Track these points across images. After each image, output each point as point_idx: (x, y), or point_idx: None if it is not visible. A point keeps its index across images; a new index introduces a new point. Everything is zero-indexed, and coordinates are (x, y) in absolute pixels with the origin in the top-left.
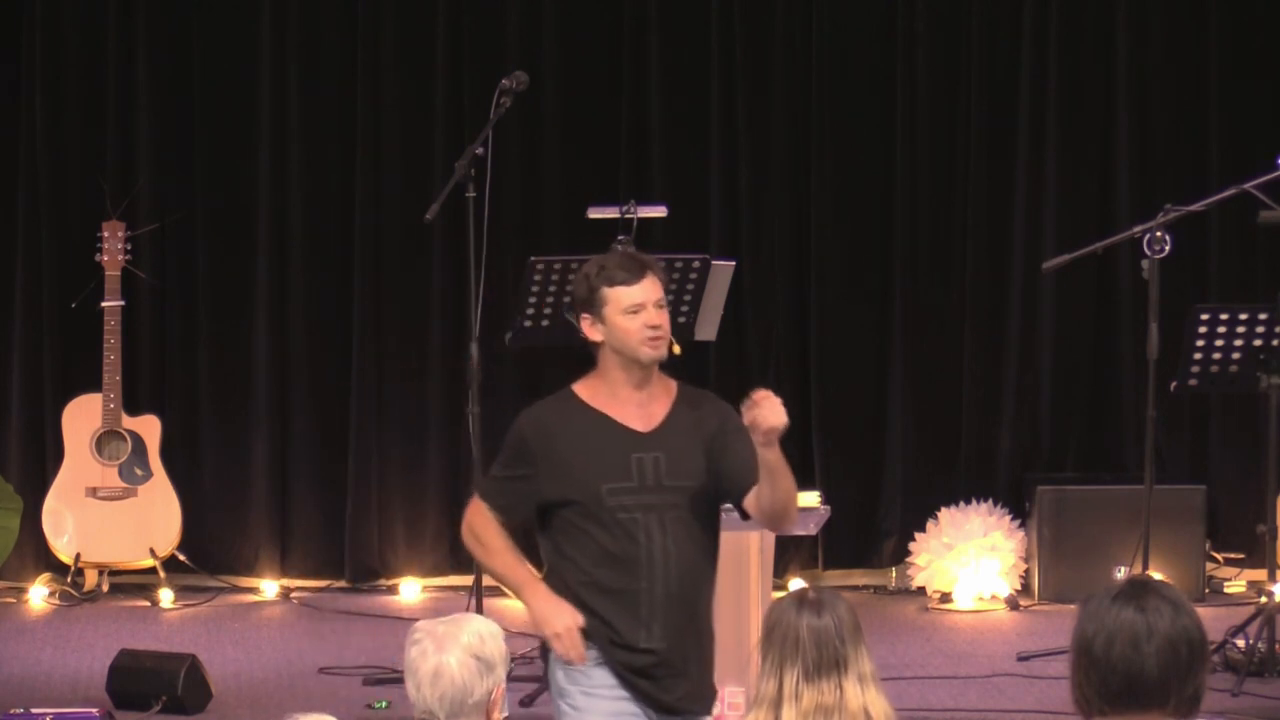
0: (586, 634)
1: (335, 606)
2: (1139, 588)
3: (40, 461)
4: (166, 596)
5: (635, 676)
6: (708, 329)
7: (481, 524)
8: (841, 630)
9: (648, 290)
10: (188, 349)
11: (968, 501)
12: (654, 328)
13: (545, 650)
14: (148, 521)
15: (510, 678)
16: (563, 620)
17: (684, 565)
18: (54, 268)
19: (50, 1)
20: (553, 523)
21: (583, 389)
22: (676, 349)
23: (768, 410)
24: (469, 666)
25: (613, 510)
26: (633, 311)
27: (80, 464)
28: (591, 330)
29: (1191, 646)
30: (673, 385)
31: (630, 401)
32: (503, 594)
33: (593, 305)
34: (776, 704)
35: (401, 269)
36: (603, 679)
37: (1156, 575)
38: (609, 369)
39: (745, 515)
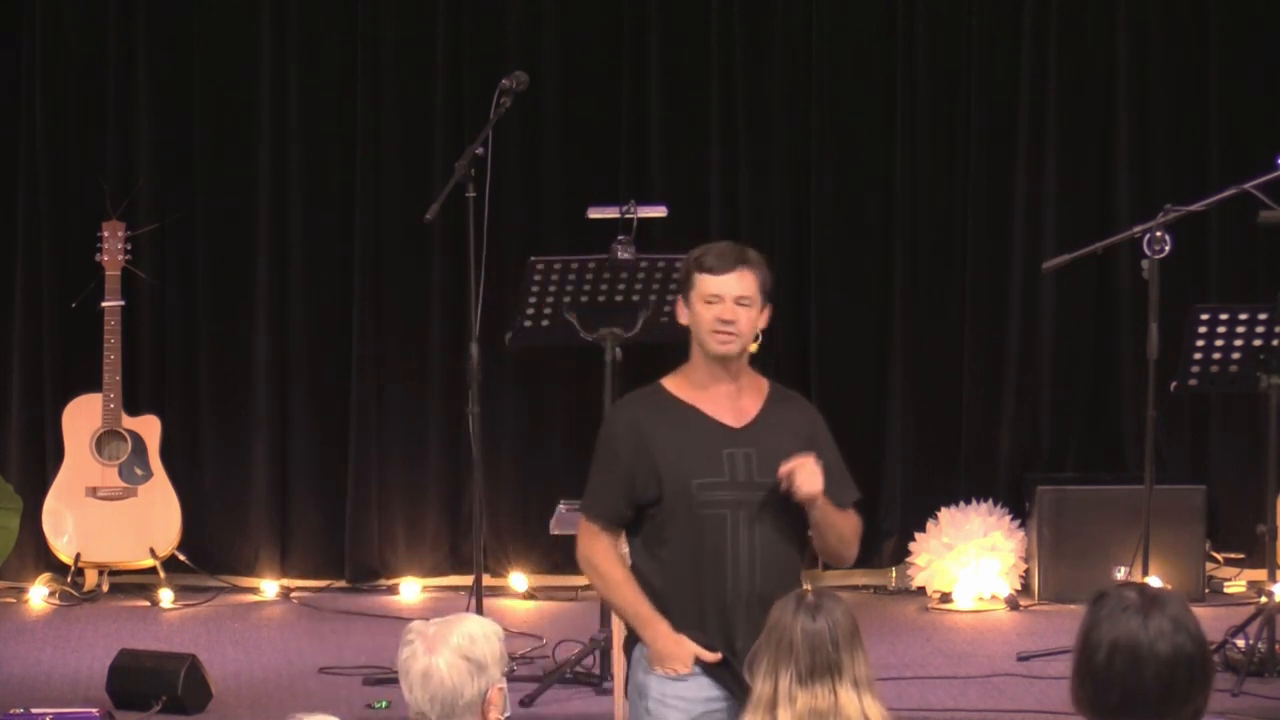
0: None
1: (335, 606)
2: (1149, 601)
3: (40, 461)
4: (166, 596)
5: (732, 678)
6: None
7: (598, 552)
8: (836, 635)
9: (730, 284)
10: (188, 349)
11: (968, 501)
12: (724, 322)
13: (629, 641)
14: (148, 521)
15: (511, 678)
16: (685, 660)
17: (770, 564)
18: (54, 268)
19: (50, 1)
20: (642, 522)
21: (671, 383)
22: (753, 348)
23: (803, 479)
24: (458, 668)
25: (702, 506)
26: (710, 301)
27: (80, 464)
28: (680, 313)
29: (1192, 668)
30: (764, 383)
31: (720, 395)
32: (503, 594)
33: (685, 288)
34: (772, 706)
35: (401, 269)
36: (691, 692)
37: (1155, 580)
38: (696, 360)
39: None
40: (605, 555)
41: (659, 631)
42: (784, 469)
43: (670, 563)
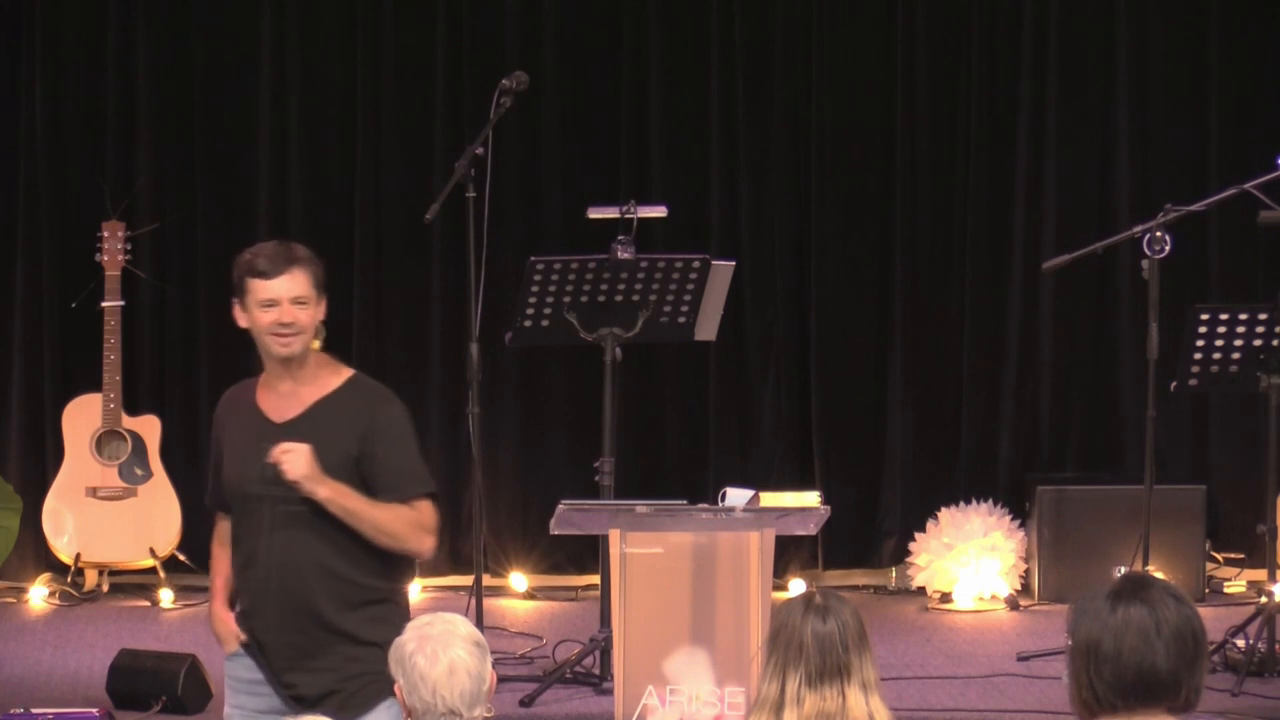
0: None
1: None
2: (1138, 583)
3: (40, 461)
4: (166, 596)
5: (262, 660)
6: (708, 329)
7: (215, 535)
8: (846, 637)
9: (283, 286)
10: (188, 349)
11: (968, 501)
12: (284, 325)
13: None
14: (148, 521)
15: (510, 678)
16: (226, 639)
17: (296, 560)
18: (54, 268)
19: (50, 2)
20: None
21: (263, 375)
22: (316, 344)
23: (286, 464)
24: (476, 654)
25: (245, 500)
26: (266, 306)
27: (80, 464)
28: (239, 318)
29: (1196, 637)
30: (341, 378)
31: (279, 392)
32: (503, 594)
33: (240, 293)
34: (778, 707)
35: (401, 269)
36: (236, 671)
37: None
38: (264, 358)
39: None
40: (216, 535)
41: (211, 608)
42: (274, 453)
43: (234, 550)
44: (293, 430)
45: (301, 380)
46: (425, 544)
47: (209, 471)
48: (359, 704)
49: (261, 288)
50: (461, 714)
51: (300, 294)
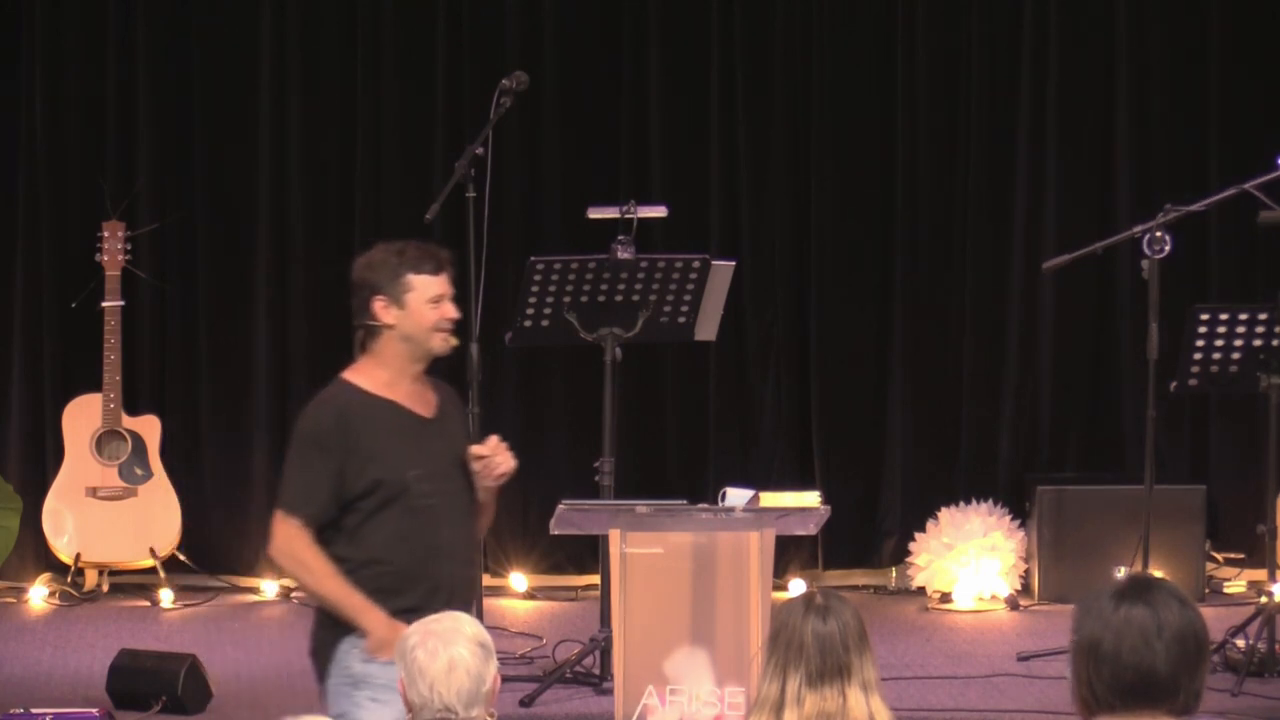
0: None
1: None
2: (1142, 584)
3: (40, 461)
4: (166, 596)
5: None
6: (708, 329)
7: (303, 546)
8: (847, 637)
9: (447, 283)
10: (188, 349)
11: (968, 501)
12: (451, 320)
13: (329, 636)
14: (148, 521)
15: (510, 678)
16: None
17: (469, 546)
18: (54, 268)
19: (50, 2)
20: (346, 515)
21: (360, 379)
22: (454, 341)
23: (504, 464)
24: (478, 655)
25: (416, 496)
26: (433, 301)
27: (80, 464)
28: (383, 314)
29: (1198, 640)
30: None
31: (411, 389)
32: (503, 594)
33: (391, 289)
34: (779, 707)
35: None
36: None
37: (1156, 573)
38: (387, 356)
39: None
40: (312, 549)
41: (377, 619)
42: (482, 452)
43: (388, 551)
44: (441, 425)
45: (422, 375)
46: None
47: (312, 482)
48: None
49: (429, 284)
50: (457, 712)
51: (454, 292)
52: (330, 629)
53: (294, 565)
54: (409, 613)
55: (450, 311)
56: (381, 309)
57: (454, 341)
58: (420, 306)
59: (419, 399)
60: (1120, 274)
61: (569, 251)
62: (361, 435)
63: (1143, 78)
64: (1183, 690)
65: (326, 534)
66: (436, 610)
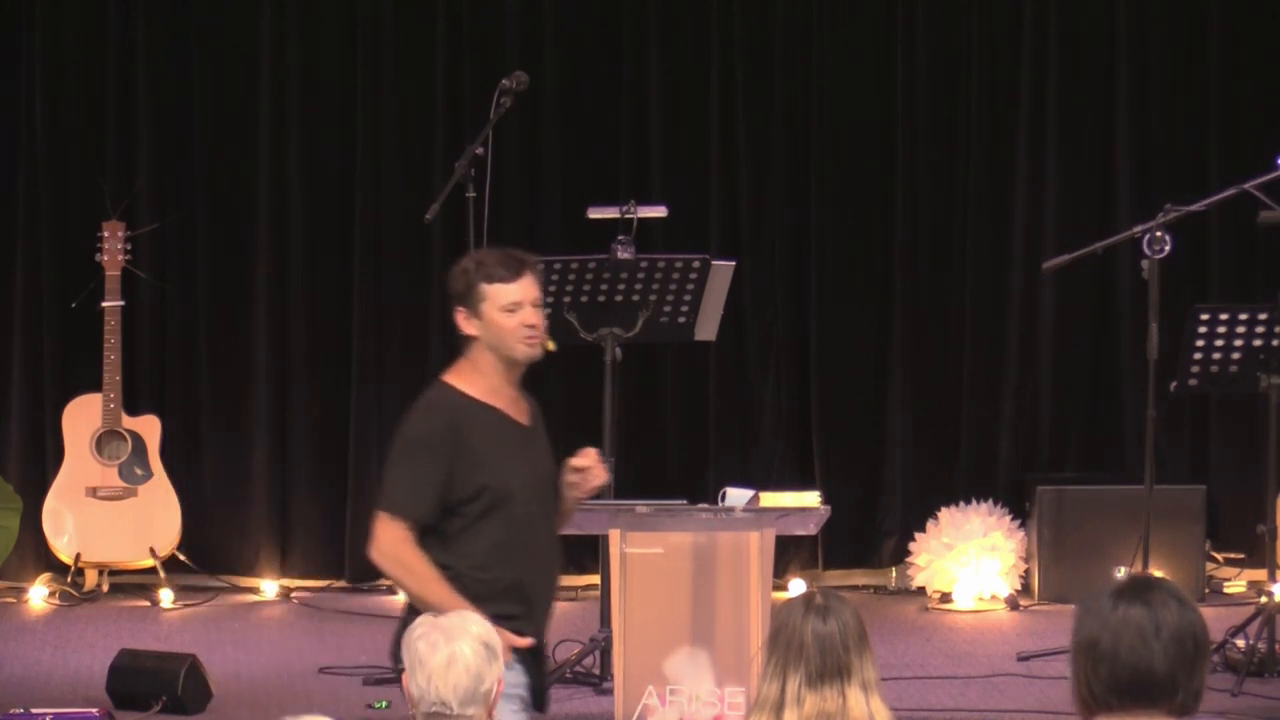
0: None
1: (335, 606)
2: (1143, 584)
3: (40, 461)
4: (166, 596)
5: (534, 664)
6: (708, 329)
7: (406, 549)
8: (847, 637)
9: (526, 289)
10: (188, 349)
11: (968, 501)
12: (531, 326)
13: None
14: (148, 521)
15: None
16: (505, 650)
17: (558, 553)
18: (54, 268)
19: (50, 2)
20: (450, 519)
21: (464, 385)
22: (551, 346)
23: (600, 473)
24: (480, 654)
25: (518, 504)
26: (509, 309)
27: (80, 464)
28: (465, 325)
29: (1197, 641)
30: None
31: (510, 397)
32: None
33: (469, 300)
34: (779, 707)
35: (401, 269)
36: (513, 678)
37: (1157, 573)
38: (484, 364)
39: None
40: (414, 551)
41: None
42: (581, 464)
43: (493, 558)
44: (535, 434)
45: (519, 383)
46: None
47: (420, 483)
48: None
49: (503, 292)
50: (451, 708)
51: (537, 296)
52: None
53: (397, 568)
54: (505, 620)
55: (529, 317)
56: (463, 320)
57: (550, 346)
58: (496, 315)
59: (518, 407)
60: (1120, 274)
61: (569, 251)
62: (471, 440)
63: (1143, 78)
64: (1181, 690)
65: (425, 539)
66: (530, 617)
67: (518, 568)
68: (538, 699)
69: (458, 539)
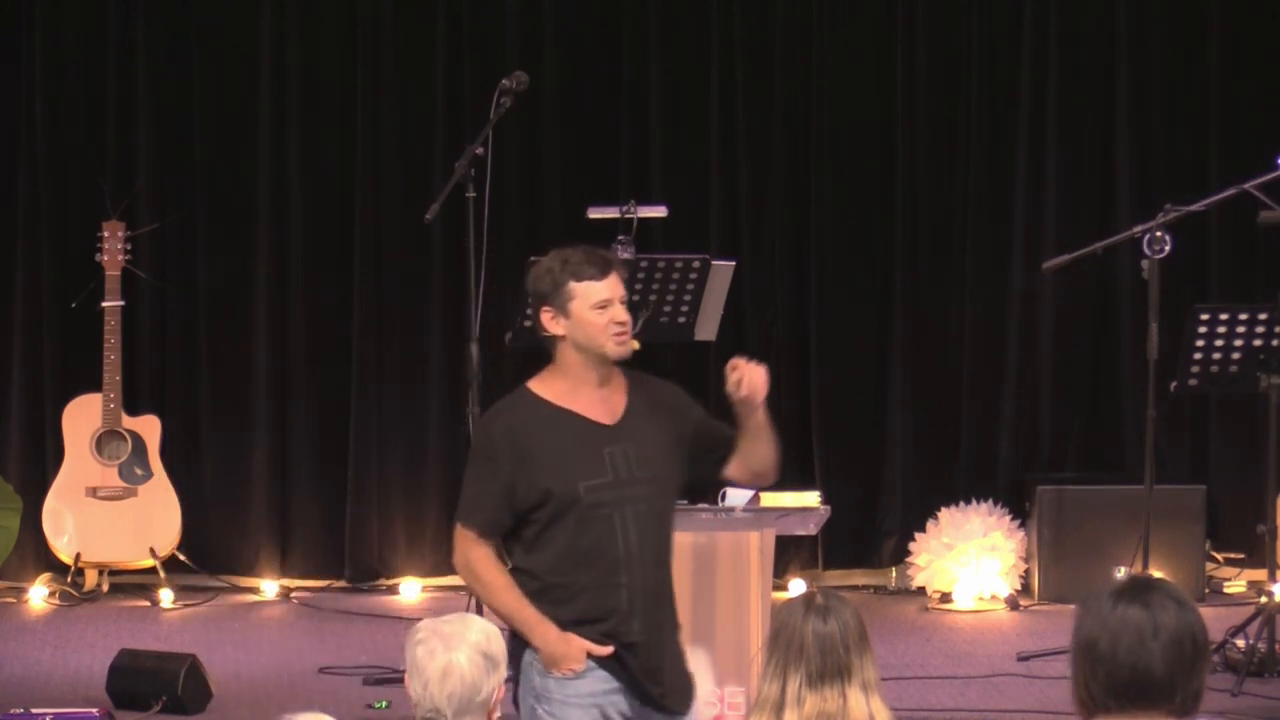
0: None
1: (335, 606)
2: (1142, 585)
3: (40, 461)
4: (166, 596)
5: (626, 669)
6: (708, 329)
7: (479, 559)
8: (847, 638)
9: (613, 286)
10: (188, 349)
11: (968, 501)
12: (621, 324)
13: (517, 647)
14: (148, 521)
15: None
16: (578, 659)
17: (657, 557)
18: (54, 268)
19: (50, 2)
20: (523, 526)
21: (540, 388)
22: (635, 345)
23: (753, 374)
24: (478, 664)
25: (590, 507)
26: (600, 307)
27: (80, 464)
28: (551, 324)
29: (1195, 642)
30: (621, 375)
31: (592, 396)
32: None
33: (555, 299)
34: (779, 707)
35: (401, 269)
36: (589, 686)
37: (1157, 574)
38: (567, 364)
39: (721, 483)
40: (486, 561)
41: (548, 635)
42: (733, 373)
43: (562, 565)
44: (628, 428)
45: (610, 380)
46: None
47: (484, 493)
48: (690, 694)
49: (593, 290)
50: (446, 716)
51: (624, 294)
52: (515, 640)
53: (468, 576)
54: (584, 624)
55: (619, 315)
56: (550, 320)
57: (635, 345)
58: (585, 313)
59: (602, 405)
60: (1120, 274)
61: None
62: (532, 447)
63: (1143, 78)
64: (1180, 691)
65: (509, 545)
66: (613, 619)
67: (593, 570)
68: (644, 696)
69: (533, 545)
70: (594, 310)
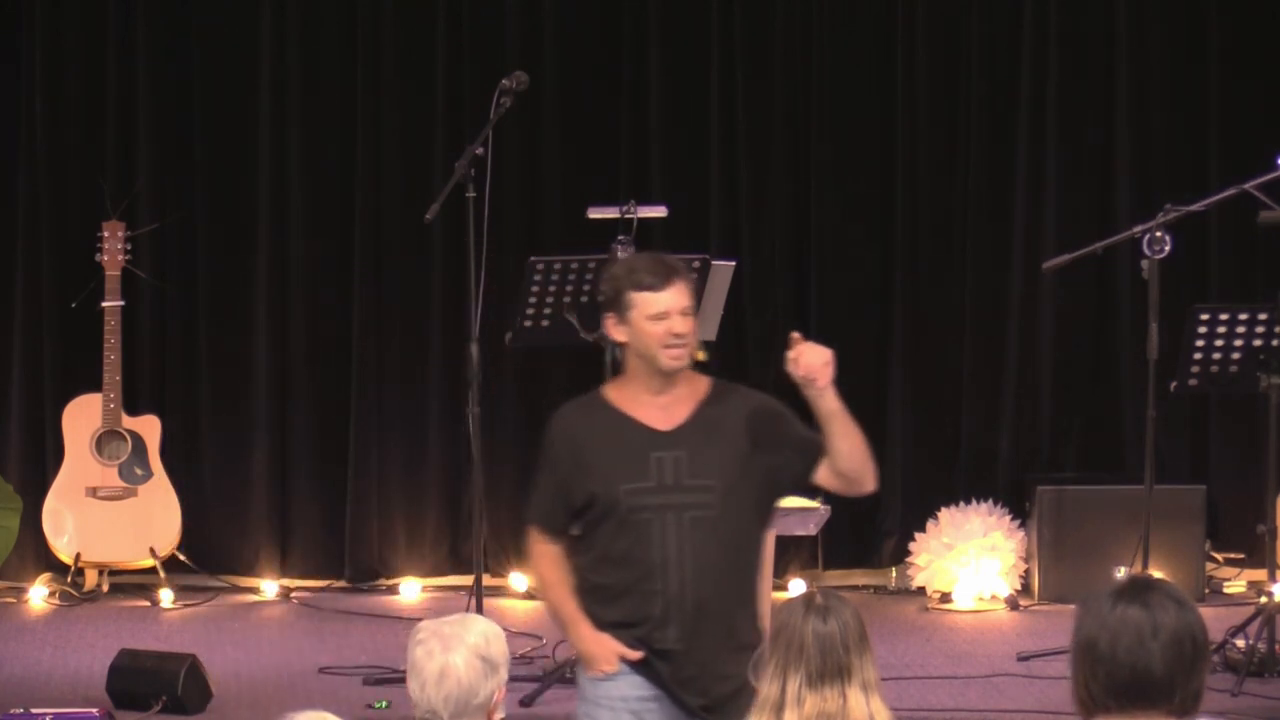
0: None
1: (335, 606)
2: (1141, 585)
3: (40, 461)
4: (166, 596)
5: (659, 677)
6: (708, 329)
7: (538, 556)
8: (847, 638)
9: (672, 298)
10: (188, 349)
11: (968, 501)
12: (678, 336)
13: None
14: (148, 521)
15: (510, 678)
16: (609, 660)
17: (704, 566)
18: (54, 268)
19: (50, 2)
20: (582, 526)
21: (610, 390)
22: (701, 355)
23: (808, 354)
24: (475, 667)
25: (630, 511)
26: (656, 318)
27: (80, 464)
28: (614, 332)
29: (1195, 643)
30: (704, 385)
31: (653, 402)
32: (503, 594)
33: (617, 307)
34: (779, 708)
35: (401, 269)
36: (620, 690)
37: (1157, 574)
38: (634, 371)
39: (815, 493)
40: (545, 558)
41: (582, 634)
42: (793, 355)
43: (605, 566)
44: (683, 436)
45: (678, 388)
46: (873, 480)
47: (543, 490)
48: (744, 709)
49: (650, 301)
50: (442, 717)
51: (686, 305)
52: None
53: (533, 573)
54: (621, 627)
55: (676, 327)
56: (612, 326)
57: (699, 356)
58: (642, 323)
59: (661, 412)
60: (1120, 274)
61: (569, 251)
62: (584, 449)
63: (1143, 77)
64: (1179, 691)
65: (574, 544)
66: (647, 625)
67: (629, 574)
68: (683, 706)
69: (582, 545)
70: (650, 321)
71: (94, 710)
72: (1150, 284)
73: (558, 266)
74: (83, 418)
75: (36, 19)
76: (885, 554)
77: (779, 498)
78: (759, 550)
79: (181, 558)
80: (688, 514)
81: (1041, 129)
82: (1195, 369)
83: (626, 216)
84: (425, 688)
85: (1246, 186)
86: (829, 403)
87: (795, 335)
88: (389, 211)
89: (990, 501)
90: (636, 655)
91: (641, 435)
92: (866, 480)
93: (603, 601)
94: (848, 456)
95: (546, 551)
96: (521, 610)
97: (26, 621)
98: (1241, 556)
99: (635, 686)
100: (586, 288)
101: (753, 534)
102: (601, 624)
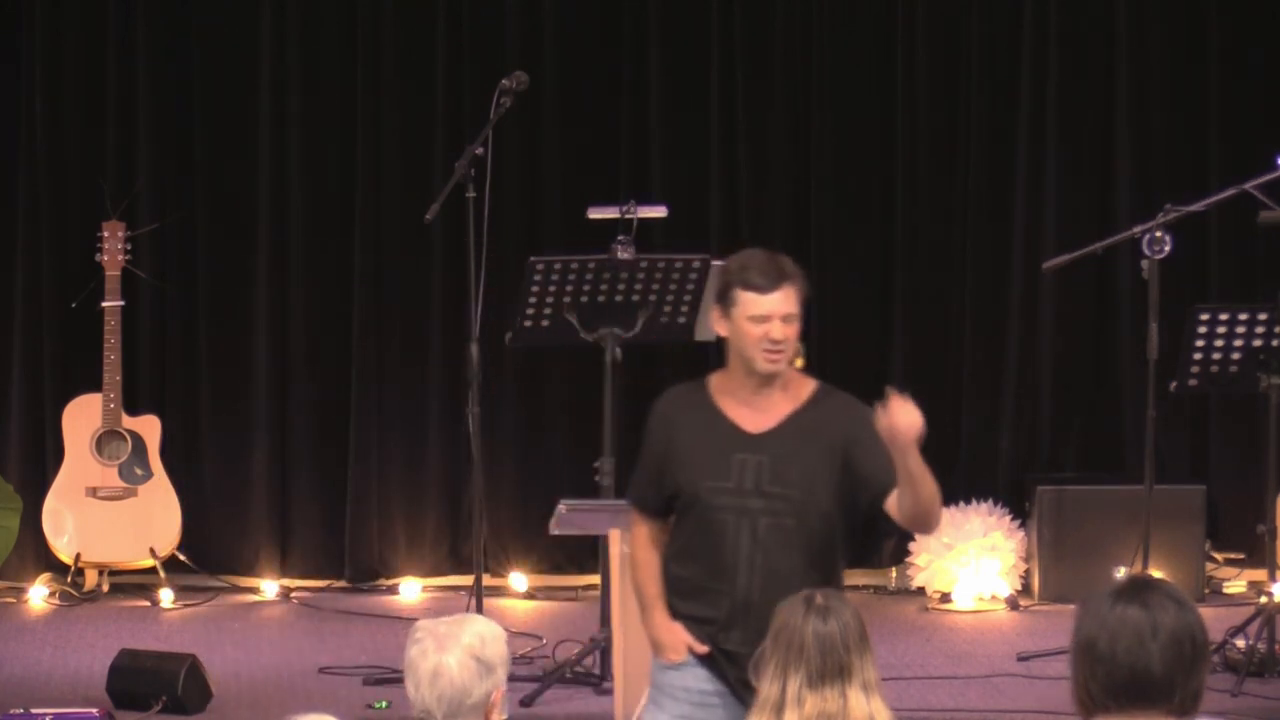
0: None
1: (335, 606)
2: (1141, 585)
3: (40, 461)
4: (166, 596)
5: (724, 675)
6: (708, 329)
7: (635, 534)
8: (847, 638)
9: (777, 302)
10: (188, 349)
11: (968, 501)
12: (774, 342)
13: None
14: (148, 521)
15: (510, 678)
16: (677, 649)
17: (771, 574)
18: (54, 268)
19: (50, 2)
20: (672, 514)
21: (714, 380)
22: (800, 362)
23: (899, 414)
24: (468, 668)
25: (709, 509)
26: (756, 320)
27: (80, 464)
28: (718, 324)
29: (1195, 643)
30: (809, 388)
31: (749, 401)
32: (503, 594)
33: (725, 302)
34: (779, 708)
35: (401, 269)
36: (684, 681)
37: (1157, 574)
38: (735, 366)
39: (888, 519)
40: (639, 538)
41: (654, 619)
42: (880, 412)
43: (684, 559)
44: (771, 441)
45: (775, 391)
46: (939, 519)
47: (641, 469)
48: None
49: (754, 302)
50: (435, 717)
51: (790, 311)
52: None
53: (630, 555)
54: (692, 620)
55: (774, 332)
56: (717, 319)
57: (799, 362)
58: (742, 323)
59: (754, 412)
60: (1120, 274)
61: (569, 251)
62: (677, 437)
63: (1143, 78)
64: (1179, 691)
65: (670, 529)
66: (713, 625)
67: (701, 570)
68: (741, 699)
69: (674, 533)
70: (750, 321)
71: (94, 710)
72: (1150, 284)
73: (558, 266)
74: (83, 418)
75: (36, 19)
76: (885, 554)
77: (858, 515)
78: (835, 562)
79: (181, 558)
80: (763, 520)
81: (1041, 129)
82: (1195, 369)
83: (626, 216)
84: (419, 687)
85: (1246, 186)
86: (911, 463)
87: (892, 390)
88: (389, 211)
89: (990, 501)
90: (703, 649)
91: (728, 434)
92: (928, 529)
93: (679, 593)
94: (911, 507)
95: (641, 529)
96: (521, 610)
97: (26, 621)
98: (1241, 556)
99: (701, 680)
100: (586, 288)
101: (830, 546)
102: (677, 614)
